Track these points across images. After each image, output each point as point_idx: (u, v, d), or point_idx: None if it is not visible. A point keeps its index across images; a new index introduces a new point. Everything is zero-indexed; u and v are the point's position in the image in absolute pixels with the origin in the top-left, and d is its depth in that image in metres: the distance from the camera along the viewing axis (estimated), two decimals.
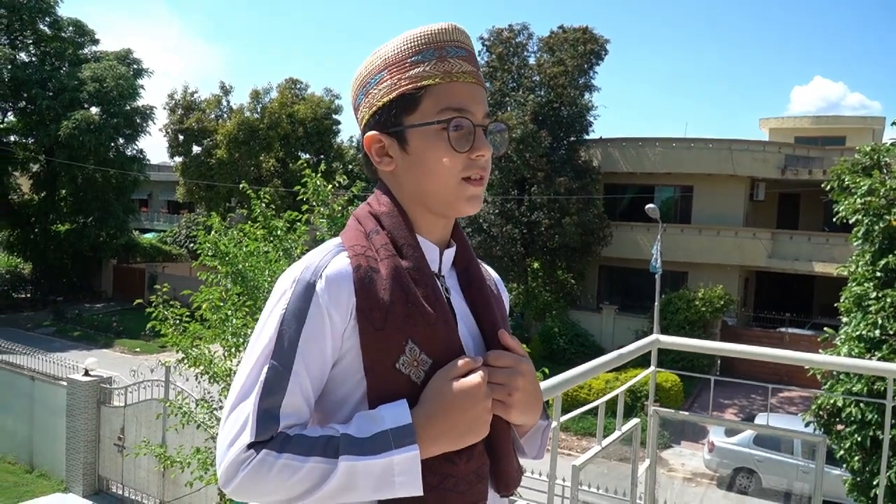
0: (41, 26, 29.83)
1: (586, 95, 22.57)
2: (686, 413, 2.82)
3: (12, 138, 30.00)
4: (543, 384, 1.85)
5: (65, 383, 12.57)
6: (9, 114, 29.81)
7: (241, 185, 9.04)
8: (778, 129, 28.56)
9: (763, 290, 24.45)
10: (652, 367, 2.90)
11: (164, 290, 7.99)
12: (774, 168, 21.56)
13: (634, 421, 2.55)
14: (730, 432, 12.96)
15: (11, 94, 28.03)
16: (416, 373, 1.00)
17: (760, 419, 13.44)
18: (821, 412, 7.53)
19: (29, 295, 30.85)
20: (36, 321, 27.01)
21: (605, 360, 2.30)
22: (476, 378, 0.99)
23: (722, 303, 20.15)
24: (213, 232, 8.07)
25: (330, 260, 1.01)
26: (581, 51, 22.00)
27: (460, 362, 1.00)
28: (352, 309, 0.98)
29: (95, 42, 31.95)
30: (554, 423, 1.99)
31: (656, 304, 17.81)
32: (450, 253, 1.14)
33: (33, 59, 30.01)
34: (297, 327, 0.97)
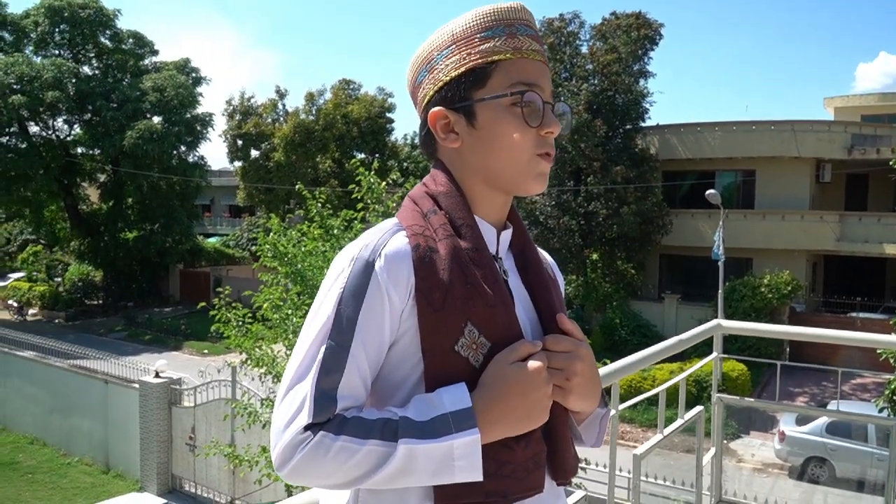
0: (102, 39, 30.93)
1: (641, 82, 22.14)
2: (751, 399, 2.72)
3: (80, 150, 31.24)
4: (601, 371, 1.81)
5: (137, 386, 13.02)
6: (76, 126, 30.99)
7: (297, 187, 9.18)
8: (843, 107, 27.45)
9: (832, 274, 23.52)
10: (715, 353, 2.80)
11: (226, 292, 8.17)
12: (841, 148, 20.72)
13: (697, 409, 2.48)
14: (801, 421, 12.53)
15: (77, 107, 29.12)
16: (474, 356, 0.97)
17: (832, 406, 12.96)
18: (895, 397, 7.22)
19: (101, 301, 32.02)
20: (108, 326, 28.07)
21: (664, 346, 2.23)
22: (537, 362, 0.96)
23: (789, 289, 19.48)
24: (272, 233, 8.22)
25: (389, 238, 0.99)
26: (634, 37, 21.57)
27: (520, 346, 0.98)
28: (411, 288, 0.96)
29: (155, 53, 33.02)
30: (612, 412, 1.95)
31: (720, 291, 17.34)
32: (507, 235, 1.12)
33: (96, 71, 31.17)
34: (356, 306, 0.95)
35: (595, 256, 22.30)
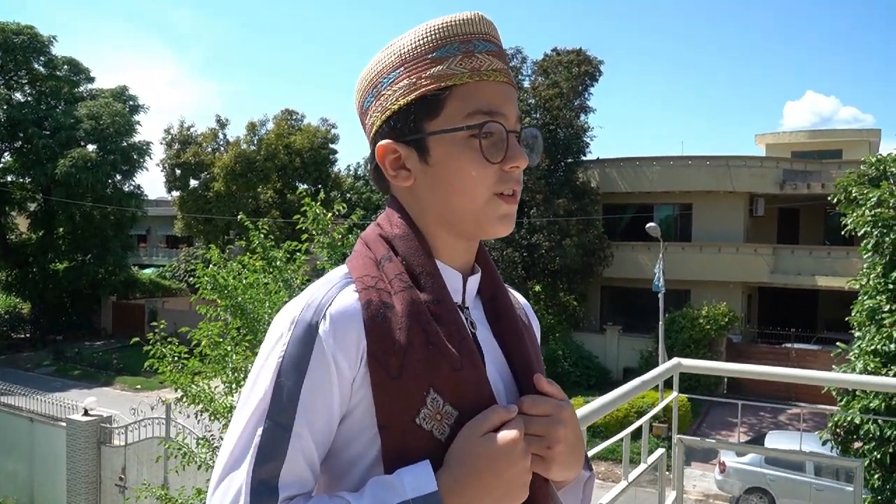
0: (36, 66, 29.99)
1: (582, 117, 22.65)
2: (712, 441, 2.66)
3: (9, 178, 30.05)
4: None
5: (64, 424, 12.39)
6: (5, 154, 29.88)
7: (238, 217, 8.95)
8: (774, 144, 28.63)
9: (766, 305, 24.28)
10: (674, 393, 2.75)
11: (161, 326, 7.84)
12: (773, 183, 21.53)
13: (659, 452, 2.41)
14: (741, 452, 12.73)
15: (8, 135, 28.16)
16: (439, 427, 0.84)
17: (772, 438, 13.21)
18: (838, 430, 7.37)
19: (28, 335, 30.65)
20: (36, 361, 26.79)
21: (628, 389, 2.17)
22: (511, 433, 0.83)
23: (726, 320, 19.99)
24: (211, 265, 7.96)
25: (335, 295, 0.86)
26: (575, 73, 22.10)
27: (492, 414, 0.84)
28: (362, 353, 0.83)
29: (91, 80, 32.14)
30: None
31: (660, 323, 17.64)
32: (474, 280, 0.98)
33: (29, 98, 30.16)
34: (298, 378, 0.81)
35: (538, 288, 22.46)
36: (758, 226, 23.46)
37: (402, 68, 0.90)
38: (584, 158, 22.88)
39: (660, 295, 17.37)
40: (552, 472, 0.89)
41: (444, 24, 0.90)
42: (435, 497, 0.79)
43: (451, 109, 0.88)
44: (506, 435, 0.82)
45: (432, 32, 0.90)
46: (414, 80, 0.89)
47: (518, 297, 1.10)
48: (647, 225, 17.87)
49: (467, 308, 0.96)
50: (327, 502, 0.80)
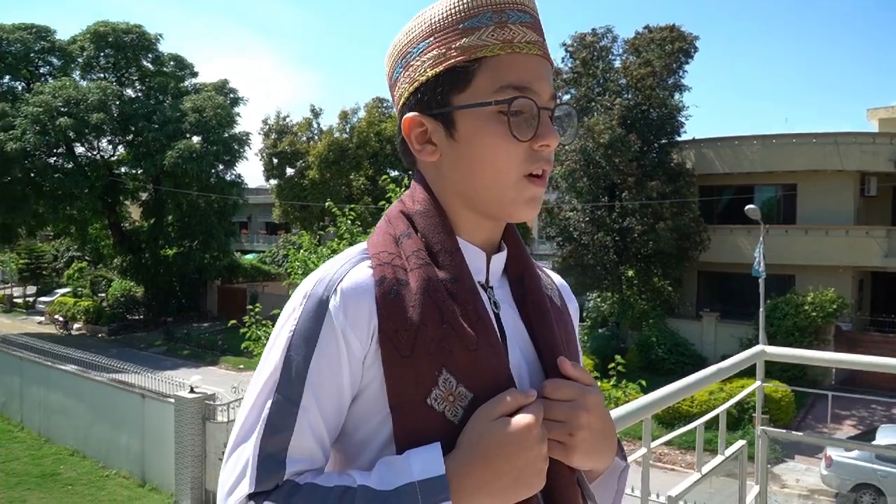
0: (145, 63, 31.86)
1: (676, 96, 21.88)
2: (799, 434, 2.54)
3: (123, 169, 32.05)
4: (631, 405, 1.68)
5: (172, 400, 13.12)
6: (119, 147, 31.80)
7: (327, 204, 9.20)
8: (888, 118, 26.69)
9: (880, 291, 22.77)
10: (758, 382, 2.64)
11: (256, 310, 8.18)
12: (886, 161, 20.12)
13: (740, 444, 2.32)
14: (836, 446, 12.03)
15: (120, 128, 29.88)
16: (451, 409, 0.81)
17: (883, 432, 12.43)
18: None
19: (142, 316, 32.67)
20: (148, 341, 28.57)
21: (702, 377, 2.09)
22: (526, 418, 0.79)
23: (834, 307, 18.87)
24: (302, 251, 8.23)
25: (348, 270, 0.84)
26: (669, 50, 21.33)
27: (507, 397, 0.81)
28: (373, 331, 0.81)
29: (195, 75, 33.79)
30: (643, 451, 1.81)
31: (761, 310, 16.89)
32: (499, 259, 0.95)
33: (139, 93, 32.05)
34: (307, 353, 0.80)
35: (631, 273, 21.96)
36: (870, 206, 22.00)
37: (431, 38, 0.87)
38: (678, 139, 22.10)
39: (760, 280, 16.64)
40: (574, 459, 0.85)
41: None
42: (442, 480, 0.77)
43: (480, 83, 0.85)
44: (520, 419, 0.79)
45: (464, 1, 0.86)
46: (443, 50, 0.86)
47: (553, 277, 1.06)
48: (747, 207, 17.13)
49: (491, 287, 0.93)
50: (335, 479, 0.79)
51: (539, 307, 0.94)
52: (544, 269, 1.06)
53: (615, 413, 1.59)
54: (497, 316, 0.91)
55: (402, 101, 0.91)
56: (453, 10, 0.86)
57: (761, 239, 16.86)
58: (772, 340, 17.58)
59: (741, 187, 22.38)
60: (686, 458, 14.09)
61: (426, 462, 0.78)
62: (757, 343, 17.02)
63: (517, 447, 0.78)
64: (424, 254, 0.86)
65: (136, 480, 14.34)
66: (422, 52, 0.88)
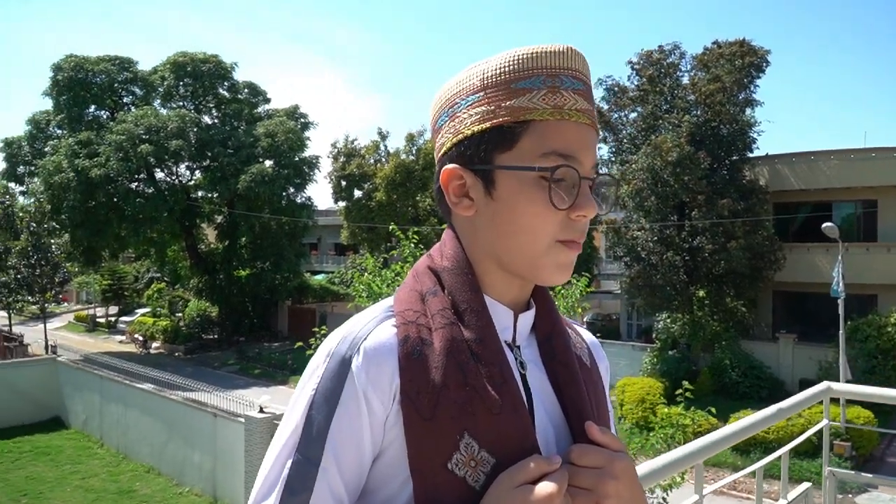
0: (221, 91, 33.18)
1: (748, 111, 21.23)
2: (869, 475, 2.41)
3: (199, 193, 33.30)
4: (681, 451, 1.65)
5: (242, 420, 13.44)
6: (196, 172, 33.08)
7: (390, 227, 9.31)
8: None
9: None
10: (825, 421, 2.53)
11: (323, 332, 8.32)
12: None
13: (804, 486, 2.23)
14: None
15: (198, 154, 31.12)
16: (473, 475, 0.79)
17: None
18: None
19: (216, 336, 33.69)
20: (222, 360, 29.43)
21: (760, 418, 2.03)
22: (549, 486, 0.77)
23: None
24: (366, 273, 8.34)
25: (372, 329, 0.83)
26: (739, 65, 20.79)
27: (531, 464, 0.79)
28: (395, 391, 0.80)
29: (267, 101, 34.96)
30: (695, 497, 1.76)
31: (841, 332, 16.14)
32: (527, 317, 0.93)
33: (215, 120, 33.33)
34: (328, 413, 0.80)
35: (702, 293, 21.36)
36: None
37: (482, 93, 0.86)
38: (750, 155, 21.43)
39: (839, 301, 15.92)
40: None
41: (533, 54, 0.85)
42: None
43: (525, 145, 0.84)
44: (543, 488, 0.77)
45: (519, 61, 0.85)
46: (492, 107, 0.85)
47: (584, 335, 1.05)
48: (824, 225, 16.45)
49: (518, 347, 0.92)
50: None
51: (568, 367, 0.92)
52: (574, 325, 1.05)
53: (664, 459, 1.56)
54: (524, 377, 0.89)
55: (443, 151, 0.91)
56: (508, 69, 0.85)
57: (840, 257, 16.15)
58: (853, 364, 16.76)
59: (818, 204, 21.52)
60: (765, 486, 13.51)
61: None
62: (836, 366, 16.24)
63: None
64: (450, 313, 0.85)
65: (207, 498, 14.69)
66: (470, 104, 0.87)
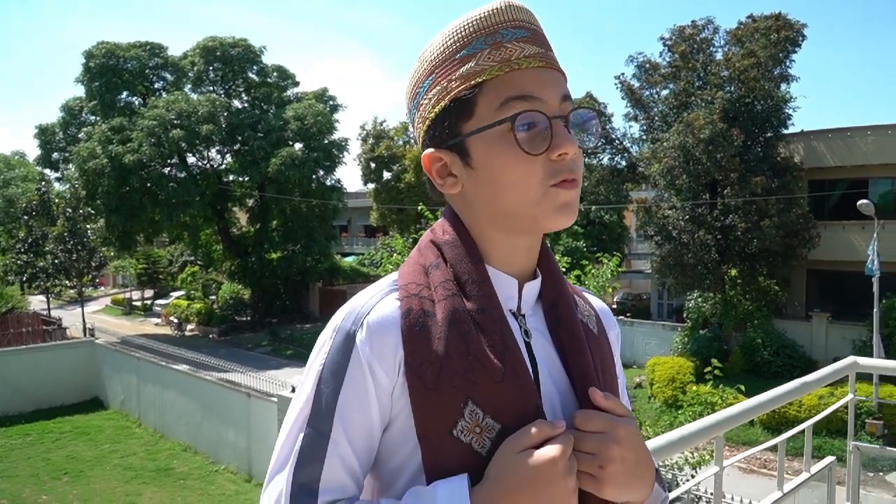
0: (250, 74, 33.40)
1: (783, 87, 20.79)
2: (893, 450, 2.41)
3: (231, 177, 33.68)
4: (702, 423, 1.67)
5: (275, 399, 13.69)
6: (227, 155, 33.45)
7: (419, 208, 9.37)
8: None
9: None
10: (850, 395, 2.53)
11: None
12: None
13: (828, 460, 2.24)
14: None
15: (228, 138, 31.44)
16: (479, 441, 0.81)
17: None
18: None
19: (249, 318, 34.19)
20: (255, 341, 29.89)
21: (783, 392, 2.04)
22: (551, 450, 0.79)
23: None
24: (395, 254, 8.42)
25: (376, 303, 0.85)
26: (774, 40, 20.33)
27: (533, 429, 0.80)
28: (399, 363, 0.82)
29: (296, 84, 35.11)
30: (715, 469, 1.79)
31: (875, 310, 15.86)
32: (533, 286, 0.94)
33: (245, 104, 33.61)
34: (335, 387, 0.83)
35: (734, 272, 21.09)
36: None
37: (433, 75, 0.89)
38: (785, 132, 21.01)
39: (874, 279, 15.64)
40: (606, 492, 0.83)
41: (468, 21, 0.87)
42: None
43: (482, 106, 0.85)
44: (546, 452, 0.79)
45: (457, 31, 0.87)
46: (445, 83, 0.87)
47: (593, 303, 1.05)
48: (860, 202, 16.13)
49: (523, 315, 0.92)
50: None
51: (572, 334, 0.93)
52: (584, 293, 1.06)
53: (683, 430, 1.59)
54: (528, 345, 0.90)
55: (420, 141, 0.94)
56: (448, 43, 0.88)
57: (875, 235, 15.83)
58: (887, 342, 16.49)
59: (854, 181, 21.04)
60: (792, 464, 13.41)
61: (452, 494, 0.78)
62: (870, 345, 15.99)
63: (543, 480, 0.78)
64: (452, 284, 0.87)
65: (243, 476, 15.03)
66: (427, 89, 0.89)
